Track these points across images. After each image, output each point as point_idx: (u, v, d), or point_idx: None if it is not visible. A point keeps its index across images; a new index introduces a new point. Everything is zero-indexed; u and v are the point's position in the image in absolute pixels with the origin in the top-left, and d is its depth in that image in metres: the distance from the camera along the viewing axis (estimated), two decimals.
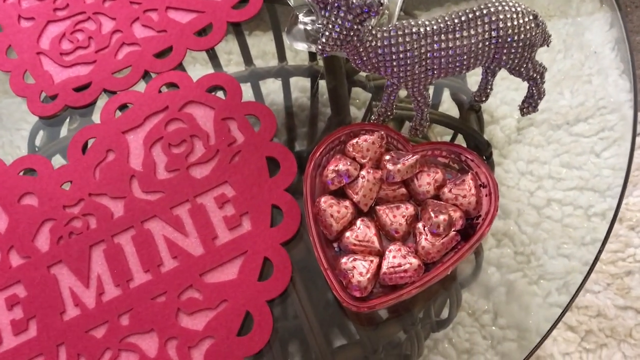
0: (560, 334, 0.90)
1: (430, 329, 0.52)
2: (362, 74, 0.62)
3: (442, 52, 0.43)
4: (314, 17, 0.58)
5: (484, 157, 0.56)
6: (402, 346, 0.50)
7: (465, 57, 0.43)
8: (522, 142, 0.59)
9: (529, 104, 0.51)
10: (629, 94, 0.58)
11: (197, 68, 0.63)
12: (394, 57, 0.43)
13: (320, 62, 0.64)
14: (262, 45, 0.64)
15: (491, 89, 0.53)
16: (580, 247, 0.52)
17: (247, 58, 0.64)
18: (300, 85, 0.64)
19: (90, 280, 0.49)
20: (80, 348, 0.46)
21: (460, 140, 0.58)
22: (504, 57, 0.44)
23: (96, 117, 0.58)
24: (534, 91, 0.49)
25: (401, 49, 0.43)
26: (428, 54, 0.43)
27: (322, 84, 0.63)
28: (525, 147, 0.58)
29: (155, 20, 0.61)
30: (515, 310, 0.52)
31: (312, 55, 0.63)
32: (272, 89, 0.64)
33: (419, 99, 0.48)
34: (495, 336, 0.51)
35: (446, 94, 0.60)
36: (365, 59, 0.44)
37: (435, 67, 0.44)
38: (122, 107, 0.57)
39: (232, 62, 0.63)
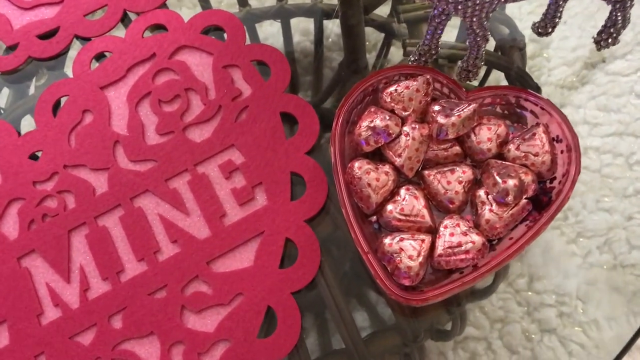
0: (604, 297, 0.81)
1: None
2: (383, 9, 0.52)
3: None
4: None
5: None
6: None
7: None
8: (553, 84, 0.53)
9: (609, 35, 0.41)
10: None
11: (184, 13, 0.52)
12: None
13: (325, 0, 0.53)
14: None
15: (560, 17, 0.43)
16: (622, 199, 0.48)
17: None
18: (302, 27, 0.56)
19: (72, 274, 0.40)
20: (63, 358, 0.38)
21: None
22: None
23: (69, 71, 0.47)
24: (619, 17, 0.39)
25: None
26: None
27: (327, 24, 0.53)
28: (557, 89, 0.52)
29: None
30: (553, 272, 0.48)
31: None
32: (270, 32, 0.55)
33: (478, 31, 0.37)
34: (531, 302, 0.47)
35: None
36: None
37: None
38: (100, 57, 0.47)
39: (223, 3, 0.54)
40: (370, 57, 0.54)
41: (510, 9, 0.52)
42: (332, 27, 0.54)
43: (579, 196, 0.48)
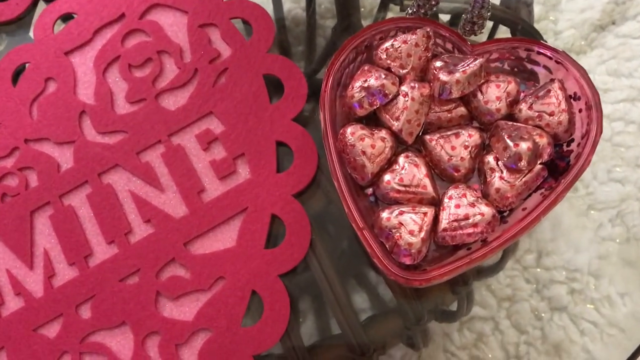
0: (617, 271, 0.78)
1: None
2: None
3: None
4: None
5: None
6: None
7: None
8: (561, 49, 0.48)
9: None
10: None
11: None
12: None
13: None
14: None
15: None
16: (635, 169, 0.46)
17: None
18: None
19: (35, 259, 0.36)
20: (27, 353, 0.34)
21: None
22: None
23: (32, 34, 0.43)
24: None
25: None
26: None
27: None
28: None
29: None
30: (563, 247, 0.46)
31: None
32: (259, 1, 0.51)
33: None
34: (540, 279, 0.46)
35: None
36: None
37: None
38: (66, 19, 0.42)
39: None
40: (366, 24, 0.50)
41: None
42: None
43: (590, 166, 0.45)
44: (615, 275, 0.75)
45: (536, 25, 0.50)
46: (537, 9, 0.52)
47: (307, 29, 0.52)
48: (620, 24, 0.52)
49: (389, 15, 0.50)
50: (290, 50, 0.51)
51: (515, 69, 0.36)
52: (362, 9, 0.53)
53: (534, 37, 0.45)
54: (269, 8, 0.50)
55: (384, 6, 0.48)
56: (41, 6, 0.44)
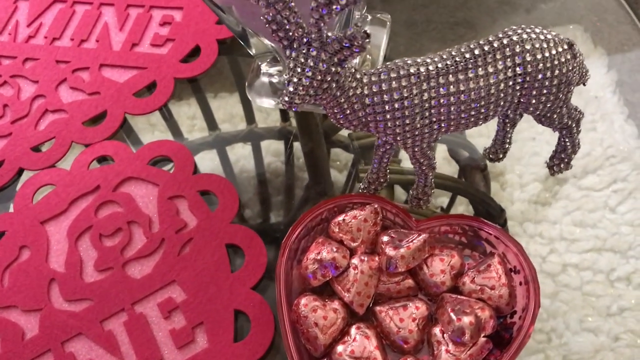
0: None
1: None
2: (345, 131, 0.52)
3: (452, 98, 0.32)
4: (280, 67, 0.47)
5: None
6: None
7: (482, 103, 0.32)
8: (527, 201, 0.52)
9: (561, 160, 0.40)
10: (638, 140, 0.52)
11: (156, 136, 0.52)
12: (387, 107, 0.32)
13: (294, 123, 0.53)
14: (228, 107, 0.55)
15: (510, 143, 0.43)
16: (606, 318, 0.45)
17: (212, 122, 0.53)
18: (273, 148, 0.56)
19: None
20: None
21: (461, 209, 0.47)
22: (533, 101, 0.33)
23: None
24: (567, 143, 0.38)
25: (396, 96, 0.32)
26: (432, 102, 0.32)
27: (298, 146, 0.53)
28: (532, 205, 0.50)
29: (86, 81, 0.50)
30: None
31: (284, 115, 0.53)
32: (242, 154, 0.54)
33: (422, 160, 0.36)
34: None
35: (439, 148, 0.50)
36: (348, 112, 0.32)
37: (442, 118, 0.33)
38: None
39: (196, 127, 0.54)
40: (342, 176, 0.54)
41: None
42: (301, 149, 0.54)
43: (562, 316, 0.46)
44: None
45: (501, 178, 0.52)
46: (501, 163, 0.55)
47: (285, 181, 0.55)
48: (581, 177, 0.54)
49: (363, 172, 0.53)
50: (270, 201, 0.54)
51: (463, 239, 0.38)
52: (338, 162, 0.56)
53: (489, 204, 0.48)
54: (251, 162, 0.53)
55: (357, 166, 0.52)
56: (26, 175, 0.47)
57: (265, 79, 0.48)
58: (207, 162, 0.49)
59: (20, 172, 0.47)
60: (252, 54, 0.46)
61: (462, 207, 0.49)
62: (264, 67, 0.47)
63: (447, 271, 0.35)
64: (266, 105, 0.49)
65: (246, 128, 0.54)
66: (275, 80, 0.48)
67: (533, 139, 0.51)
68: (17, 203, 0.44)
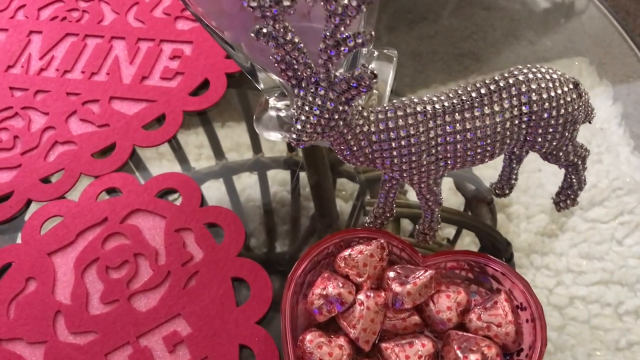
0: None
1: None
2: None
3: (458, 136, 0.32)
4: (287, 102, 0.48)
5: (504, 260, 0.47)
6: None
7: (488, 141, 0.33)
8: (533, 232, 0.52)
9: (567, 197, 0.40)
10: None
11: (164, 165, 0.52)
12: (393, 145, 0.32)
13: (300, 153, 0.54)
14: (235, 136, 0.56)
15: (516, 178, 0.43)
16: (615, 353, 0.44)
17: (219, 151, 0.54)
18: (279, 178, 0.56)
19: None
20: None
21: (467, 241, 0.47)
22: (539, 140, 0.33)
23: None
24: (574, 180, 0.39)
25: (403, 134, 0.32)
26: (439, 139, 0.32)
27: (303, 175, 0.53)
28: (538, 237, 0.50)
29: (95, 113, 0.50)
30: None
31: (291, 145, 0.53)
32: (248, 183, 0.55)
33: (428, 196, 0.36)
34: None
35: (445, 180, 0.50)
36: (355, 148, 0.33)
37: (448, 155, 0.33)
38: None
39: (203, 156, 0.54)
40: (347, 206, 0.54)
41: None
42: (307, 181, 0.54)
43: (569, 350, 0.45)
44: None
45: (508, 210, 0.52)
46: (509, 196, 0.55)
47: (291, 211, 0.56)
48: (588, 209, 0.54)
49: (368, 197, 0.53)
50: (276, 231, 0.54)
51: (469, 275, 0.38)
52: (343, 192, 0.56)
53: (495, 237, 0.48)
54: (257, 191, 0.54)
55: (363, 199, 0.52)
56: (35, 206, 0.47)
57: (272, 113, 0.49)
58: (214, 190, 0.50)
59: (28, 202, 0.47)
60: (260, 88, 0.47)
61: (469, 238, 0.49)
62: (272, 101, 0.48)
63: (454, 308, 0.35)
64: (273, 139, 0.50)
65: (253, 157, 0.55)
66: (282, 114, 0.48)
67: (539, 170, 0.51)
68: (24, 234, 0.44)
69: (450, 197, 0.50)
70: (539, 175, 0.52)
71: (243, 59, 0.42)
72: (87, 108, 0.51)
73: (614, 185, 0.52)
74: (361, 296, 0.35)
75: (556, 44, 0.63)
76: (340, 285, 0.36)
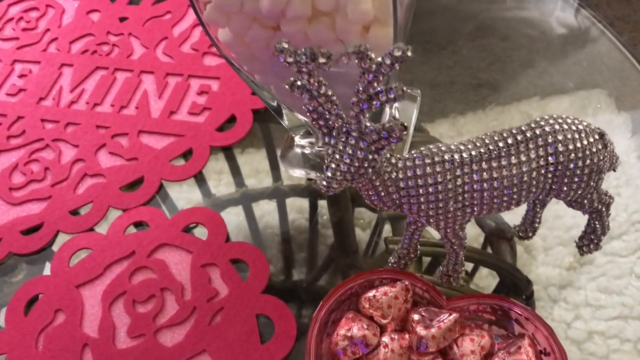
0: None
1: None
2: None
3: (485, 185, 0.33)
4: (312, 139, 0.49)
5: (524, 298, 0.47)
6: None
7: (514, 190, 0.33)
8: (551, 265, 0.52)
9: (590, 241, 0.40)
10: None
11: (184, 190, 0.53)
12: (421, 191, 0.33)
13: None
14: (255, 163, 0.56)
15: (539, 222, 0.43)
16: None
17: (239, 179, 0.55)
18: (297, 205, 0.57)
19: None
20: None
21: (485, 272, 0.47)
22: (565, 189, 0.34)
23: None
24: (597, 225, 0.39)
25: (430, 181, 0.33)
26: (466, 187, 0.33)
27: (322, 203, 0.54)
28: (556, 269, 0.50)
29: (124, 147, 0.52)
30: None
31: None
32: (266, 210, 0.56)
33: (454, 240, 0.37)
34: None
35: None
36: (383, 194, 0.34)
37: (475, 202, 0.34)
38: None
39: (222, 182, 0.55)
40: (365, 235, 0.54)
41: None
42: (327, 206, 0.55)
43: None
44: None
45: (526, 242, 0.53)
46: None
47: (309, 238, 0.56)
48: (606, 243, 0.54)
49: (386, 227, 0.53)
50: (293, 257, 0.55)
51: (492, 317, 0.38)
52: (361, 220, 0.56)
53: (515, 275, 0.48)
54: (276, 218, 0.54)
55: (380, 221, 0.53)
56: (62, 238, 0.48)
57: (298, 150, 0.50)
58: (233, 216, 0.50)
59: (56, 233, 0.48)
60: (285, 126, 0.48)
61: (487, 270, 0.49)
62: (297, 139, 0.49)
63: (478, 351, 0.35)
64: (298, 175, 0.51)
65: (272, 185, 0.55)
66: (307, 151, 0.49)
67: (557, 202, 0.51)
68: (54, 266, 0.45)
69: (469, 228, 0.50)
70: (557, 207, 0.52)
71: (270, 97, 0.43)
72: (116, 141, 0.52)
73: (633, 219, 0.52)
74: (386, 338, 0.36)
75: (573, 76, 0.63)
76: (365, 326, 0.36)
